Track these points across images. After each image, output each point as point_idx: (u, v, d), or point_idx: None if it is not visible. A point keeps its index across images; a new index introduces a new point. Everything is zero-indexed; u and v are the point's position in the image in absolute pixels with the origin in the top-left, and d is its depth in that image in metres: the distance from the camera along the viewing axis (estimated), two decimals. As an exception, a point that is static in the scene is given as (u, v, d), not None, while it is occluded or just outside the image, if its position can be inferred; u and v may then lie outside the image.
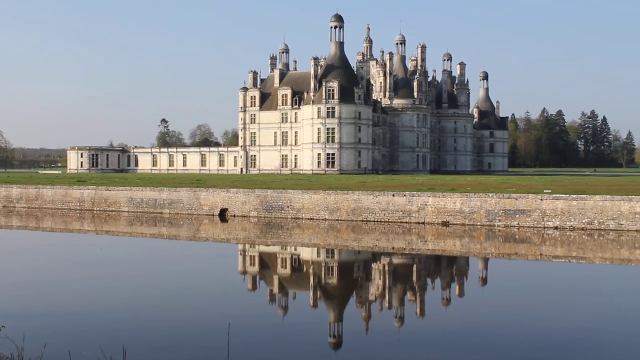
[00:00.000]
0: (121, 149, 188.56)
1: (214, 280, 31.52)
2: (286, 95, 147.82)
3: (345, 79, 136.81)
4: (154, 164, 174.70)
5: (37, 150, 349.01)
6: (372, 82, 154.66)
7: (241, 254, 42.91)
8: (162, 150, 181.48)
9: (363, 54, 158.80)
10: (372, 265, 38.25)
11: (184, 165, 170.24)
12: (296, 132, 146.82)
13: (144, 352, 18.06)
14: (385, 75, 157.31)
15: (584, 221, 49.70)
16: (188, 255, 42.24)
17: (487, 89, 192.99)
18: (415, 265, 38.46)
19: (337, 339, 20.90)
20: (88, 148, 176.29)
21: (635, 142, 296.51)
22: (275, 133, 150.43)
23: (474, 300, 27.93)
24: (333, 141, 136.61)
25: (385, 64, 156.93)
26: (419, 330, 22.15)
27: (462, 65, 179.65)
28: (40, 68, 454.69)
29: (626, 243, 44.05)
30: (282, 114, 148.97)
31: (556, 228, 49.99)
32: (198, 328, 21.42)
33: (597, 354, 18.73)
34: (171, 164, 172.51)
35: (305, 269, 36.51)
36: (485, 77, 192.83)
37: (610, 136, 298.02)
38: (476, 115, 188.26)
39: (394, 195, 56.41)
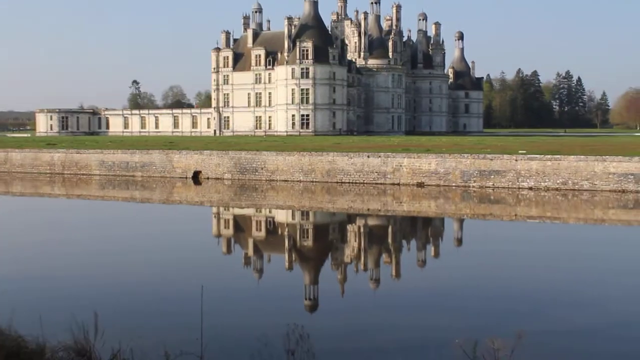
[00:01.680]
0: (91, 111, 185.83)
1: (187, 244, 31.34)
2: (259, 55, 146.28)
3: (320, 38, 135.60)
4: (125, 126, 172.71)
5: (5, 113, 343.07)
6: (347, 42, 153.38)
7: (215, 217, 42.73)
8: (134, 112, 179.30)
9: (337, 13, 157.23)
10: (347, 227, 38.32)
11: (156, 127, 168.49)
12: (270, 93, 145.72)
13: (115, 316, 17.90)
14: (359, 35, 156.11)
15: (558, 181, 50.15)
16: (161, 218, 41.96)
17: (462, 49, 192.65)
18: (390, 227, 38.60)
19: (312, 301, 20.91)
20: (57, 110, 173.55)
21: (609, 103, 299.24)
22: (249, 94, 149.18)
23: (449, 261, 28.11)
24: (307, 102, 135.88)
25: (360, 24, 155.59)
26: (394, 292, 22.21)
27: (437, 25, 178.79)
28: (8, 29, 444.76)
29: (599, 203, 44.59)
30: (256, 74, 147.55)
31: (530, 188, 50.40)
32: (171, 292, 21.29)
33: (570, 316, 18.94)
34: (143, 126, 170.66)
35: (279, 231, 36.46)
36: (461, 37, 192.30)
37: (585, 96, 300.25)
38: (451, 76, 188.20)
39: (368, 156, 56.37)
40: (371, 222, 39.72)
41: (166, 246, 30.49)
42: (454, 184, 52.88)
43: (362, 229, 36.88)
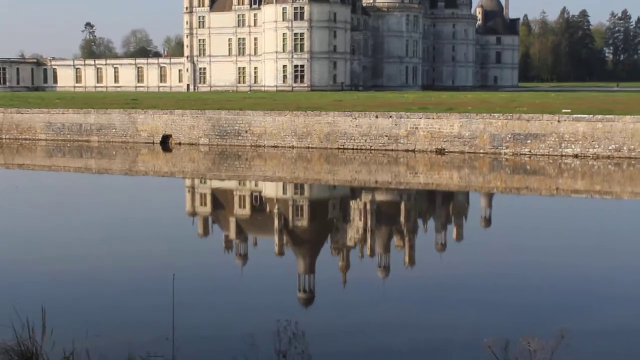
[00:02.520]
0: (35, 60, 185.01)
1: (155, 224, 31.40)
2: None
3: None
4: (77, 79, 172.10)
5: None
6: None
7: (189, 191, 42.75)
8: (88, 62, 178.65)
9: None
10: (351, 203, 38.39)
11: (116, 80, 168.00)
12: (255, 39, 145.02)
13: (68, 312, 17.98)
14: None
15: (610, 147, 50.16)
16: (123, 193, 41.97)
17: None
18: (403, 203, 38.67)
19: (307, 293, 21.00)
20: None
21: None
22: (230, 40, 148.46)
23: (475, 245, 28.15)
24: (301, 50, 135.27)
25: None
26: (407, 282, 22.30)
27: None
28: None
29: (660, 173, 44.70)
30: (238, 15, 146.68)
31: (576, 156, 50.44)
32: (136, 282, 21.37)
33: (624, 312, 19.02)
34: (99, 79, 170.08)
35: (268, 209, 36.51)
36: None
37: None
38: (479, 17, 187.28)
39: (377, 117, 56.30)
40: (380, 197, 39.78)
41: (130, 227, 30.54)
42: (481, 151, 52.88)
43: (368, 206, 36.96)
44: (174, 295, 15.39)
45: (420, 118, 55.36)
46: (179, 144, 62.27)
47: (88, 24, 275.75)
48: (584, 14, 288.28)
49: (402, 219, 34.18)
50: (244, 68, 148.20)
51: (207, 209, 36.88)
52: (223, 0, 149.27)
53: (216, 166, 51.83)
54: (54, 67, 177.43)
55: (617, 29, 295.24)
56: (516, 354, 11.56)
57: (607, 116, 51.02)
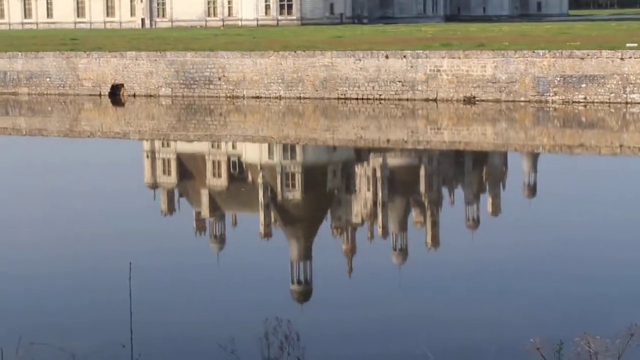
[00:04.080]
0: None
1: (105, 200, 31.37)
2: None
3: None
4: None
5: None
6: None
7: (148, 156, 42.61)
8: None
9: None
10: (356, 169, 38.37)
11: (49, 15, 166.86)
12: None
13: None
14: None
15: (687, 92, 50.08)
16: (62, 160, 41.89)
17: None
18: (423, 168, 38.60)
19: (303, 285, 21.05)
20: None
21: None
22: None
23: (515, 221, 28.19)
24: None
25: None
26: (429, 269, 22.34)
27: None
28: None
29: None
30: None
31: (644, 103, 50.46)
32: (82, 274, 21.33)
33: None
34: (27, 13, 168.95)
35: (250, 178, 36.49)
36: None
37: None
38: None
39: (387, 57, 56.02)
40: (393, 160, 39.72)
41: (73, 205, 30.51)
42: (522, 98, 52.71)
43: (378, 172, 36.86)
44: (131, 290, 15.34)
45: (443, 58, 55.07)
46: (133, 95, 61.99)
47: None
48: None
49: (422, 188, 34.18)
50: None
51: (172, 179, 36.85)
52: None
53: (182, 124, 51.73)
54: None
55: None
56: (572, 357, 11.55)
57: (683, 51, 50.88)
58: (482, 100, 53.50)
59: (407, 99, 54.93)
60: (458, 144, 43.72)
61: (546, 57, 52.98)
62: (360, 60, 56.77)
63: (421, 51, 56.46)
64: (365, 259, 23.16)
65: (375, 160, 39.54)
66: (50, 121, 54.00)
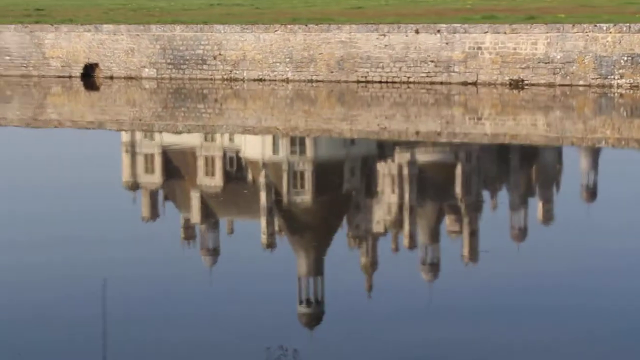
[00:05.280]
0: None
1: (76, 202, 31.46)
2: None
3: None
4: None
5: None
6: None
7: (127, 151, 42.69)
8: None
9: None
10: (378, 168, 38.46)
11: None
12: None
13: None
14: None
15: None
16: (23, 154, 42.01)
17: None
18: (459, 166, 38.58)
19: (312, 307, 21.07)
20: None
21: None
22: None
23: (572, 229, 28.15)
24: None
25: None
26: (466, 288, 22.32)
27: None
28: None
29: None
30: None
31: None
32: (46, 295, 21.32)
33: None
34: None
35: (250, 178, 36.60)
36: None
37: None
38: None
39: (417, 32, 56.06)
40: (423, 157, 39.73)
41: (33, 208, 30.61)
42: (581, 82, 52.66)
43: (405, 171, 36.85)
44: (106, 314, 15.40)
45: (486, 33, 55.09)
46: (111, 77, 62.18)
47: None
48: None
49: (457, 190, 34.24)
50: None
51: (156, 178, 36.98)
52: None
53: (169, 112, 51.86)
54: None
55: None
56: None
57: None
58: (532, 85, 53.48)
59: (441, 83, 54.95)
60: (502, 137, 43.70)
61: (610, 32, 52.92)
62: (384, 35, 56.80)
63: (459, 25, 56.51)
64: (389, 275, 23.19)
65: (401, 157, 39.53)
66: (10, 108, 54.18)
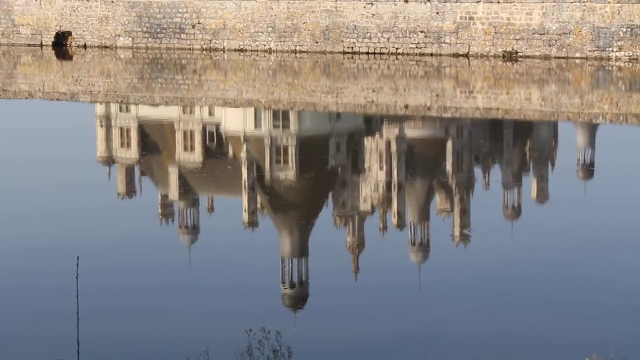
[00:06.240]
0: None
1: (48, 177, 31.19)
2: None
3: None
4: None
5: None
6: None
7: (101, 124, 42.49)
8: None
9: None
10: (365, 143, 38.29)
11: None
12: None
13: None
14: None
15: None
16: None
17: None
18: (450, 141, 38.50)
19: (296, 288, 20.93)
20: None
21: None
22: None
23: (567, 208, 27.98)
24: None
25: None
26: (457, 269, 22.17)
27: None
28: None
29: None
30: None
31: None
32: (16, 276, 21.13)
33: None
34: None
35: (231, 153, 36.46)
36: None
37: None
38: None
39: (406, 0, 55.86)
40: (413, 131, 39.62)
41: (6, 184, 30.41)
42: (577, 54, 52.58)
43: (394, 147, 36.71)
44: (79, 293, 15.22)
45: (478, 2, 54.91)
46: (84, 46, 61.94)
47: None
48: None
49: (448, 167, 34.10)
50: None
51: (132, 152, 36.79)
52: None
53: (145, 83, 51.62)
54: None
55: None
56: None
57: None
58: (527, 57, 53.42)
59: (432, 54, 54.86)
60: (495, 111, 43.60)
61: (609, 2, 52.80)
62: (372, 4, 56.61)
63: (449, -7, 56.40)
64: (376, 256, 23.06)
65: (389, 132, 39.42)
66: (-20, 78, 53.91)
